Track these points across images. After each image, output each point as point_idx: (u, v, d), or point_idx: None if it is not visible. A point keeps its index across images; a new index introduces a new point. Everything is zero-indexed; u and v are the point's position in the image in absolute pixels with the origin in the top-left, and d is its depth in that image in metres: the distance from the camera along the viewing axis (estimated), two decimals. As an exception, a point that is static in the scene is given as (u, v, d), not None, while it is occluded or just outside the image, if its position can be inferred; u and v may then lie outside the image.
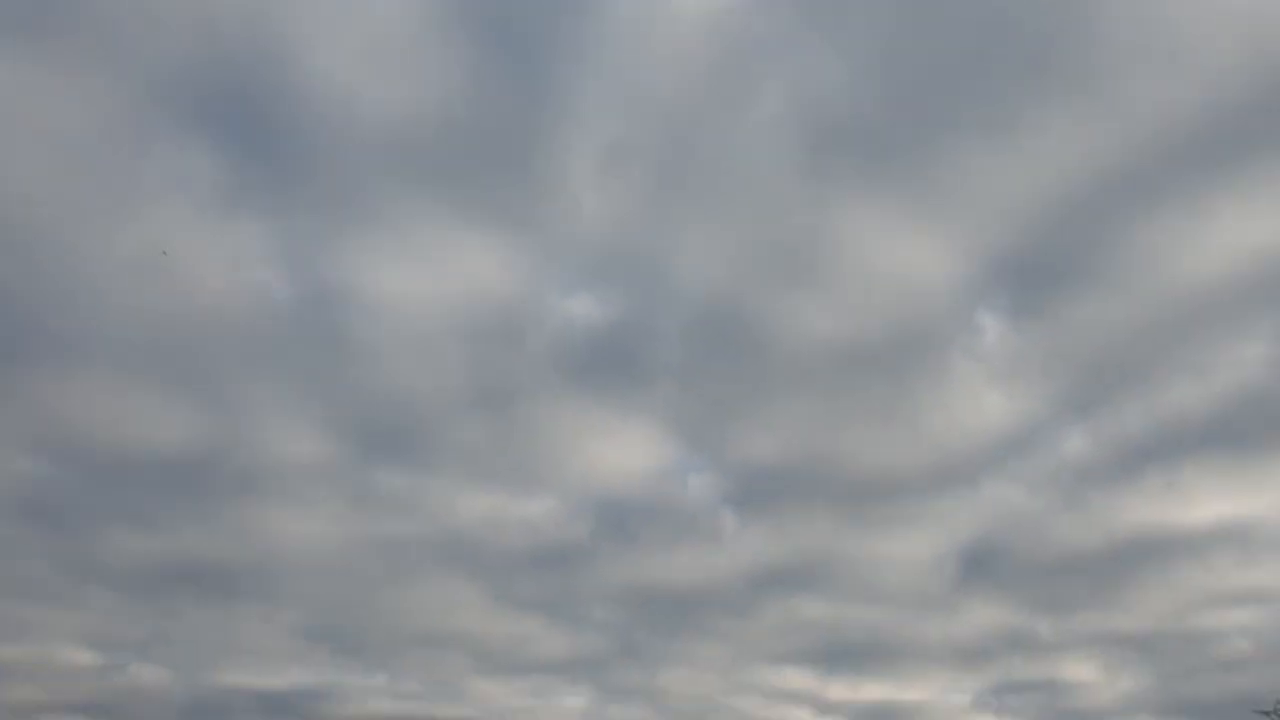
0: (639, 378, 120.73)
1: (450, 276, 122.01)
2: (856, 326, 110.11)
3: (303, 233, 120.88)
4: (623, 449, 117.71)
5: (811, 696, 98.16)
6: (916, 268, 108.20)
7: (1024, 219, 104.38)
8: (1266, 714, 35.10)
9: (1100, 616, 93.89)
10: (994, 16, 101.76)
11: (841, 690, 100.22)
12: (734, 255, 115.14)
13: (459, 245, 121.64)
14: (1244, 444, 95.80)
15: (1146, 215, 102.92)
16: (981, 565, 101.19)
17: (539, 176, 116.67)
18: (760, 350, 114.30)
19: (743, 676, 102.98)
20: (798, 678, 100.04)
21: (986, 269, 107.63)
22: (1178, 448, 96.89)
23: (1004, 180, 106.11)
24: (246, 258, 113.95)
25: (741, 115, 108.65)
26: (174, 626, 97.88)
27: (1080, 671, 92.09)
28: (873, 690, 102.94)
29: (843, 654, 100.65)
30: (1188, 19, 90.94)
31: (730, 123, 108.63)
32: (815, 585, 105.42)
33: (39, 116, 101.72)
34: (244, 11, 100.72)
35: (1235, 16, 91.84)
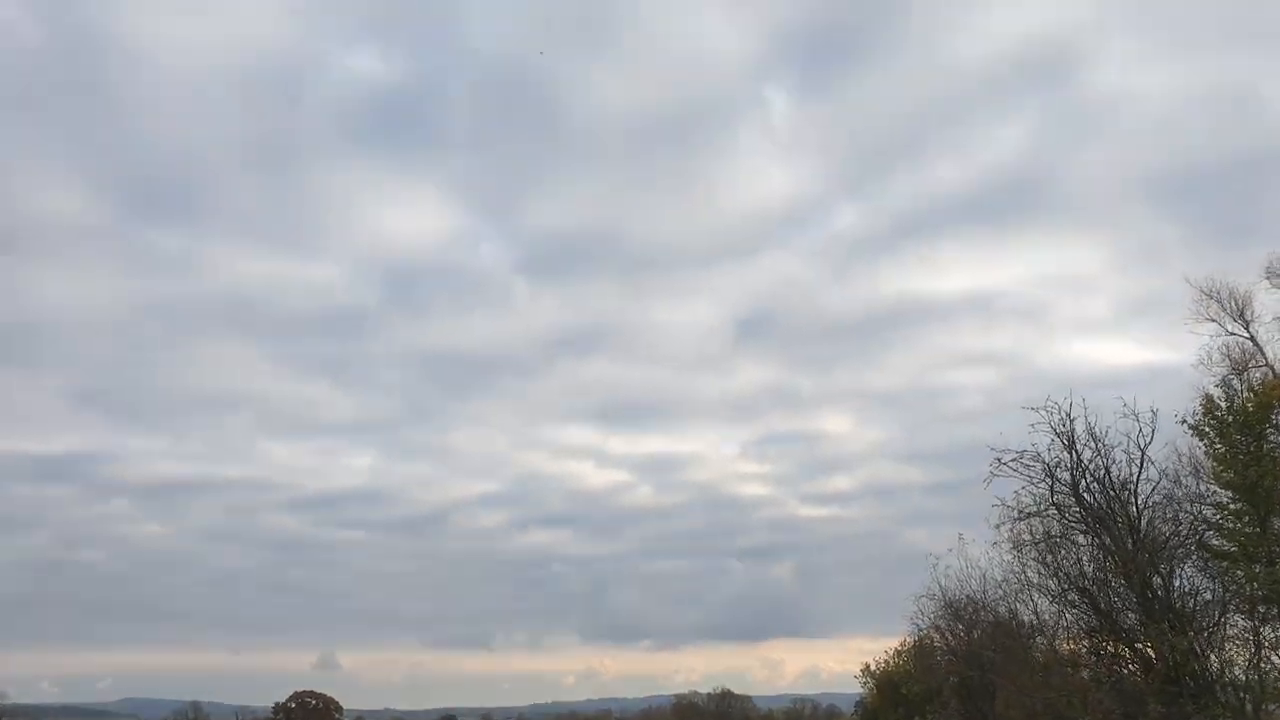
0: (427, 139, 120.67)
1: (222, 24, 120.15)
2: (647, 96, 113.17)
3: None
4: (411, 213, 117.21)
5: (595, 451, 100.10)
6: (708, 39, 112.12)
7: None
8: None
9: (856, 375, 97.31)
10: None
11: (622, 444, 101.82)
12: (526, 16, 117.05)
13: None
14: (996, 219, 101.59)
15: None
16: (755, 330, 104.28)
17: None
18: (552, 116, 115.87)
19: (530, 434, 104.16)
20: (582, 434, 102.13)
21: (775, 43, 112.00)
22: (937, 222, 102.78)
23: None
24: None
25: None
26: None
27: (835, 424, 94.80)
28: (651, 444, 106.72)
29: (624, 411, 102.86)
30: None
31: None
32: (600, 349, 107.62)
33: None
34: None
35: None
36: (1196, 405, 35.31)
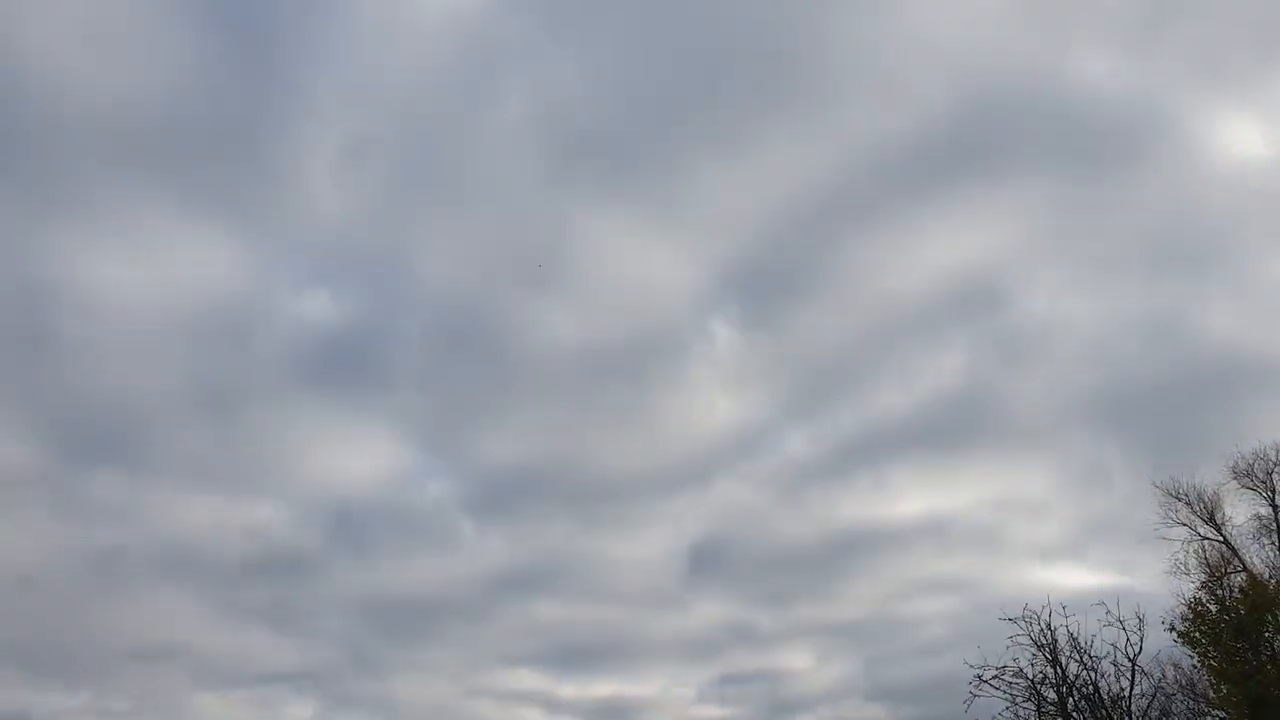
0: (375, 379, 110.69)
1: (172, 271, 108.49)
2: (595, 331, 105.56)
3: (3, 220, 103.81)
4: (358, 453, 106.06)
5: (543, 696, 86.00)
6: (653, 276, 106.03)
7: (752, 233, 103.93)
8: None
9: (815, 607, 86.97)
10: (727, 41, 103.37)
11: (572, 689, 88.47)
12: (476, 256, 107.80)
13: (182, 238, 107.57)
14: (943, 444, 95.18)
15: (861, 232, 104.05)
16: (709, 562, 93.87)
17: (271, 169, 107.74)
18: (500, 352, 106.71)
19: (476, 681, 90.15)
20: (530, 678, 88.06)
21: (718, 279, 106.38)
22: (885, 448, 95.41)
23: (734, 195, 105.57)
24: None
25: (485, 117, 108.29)
26: None
27: (796, 661, 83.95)
28: (602, 687, 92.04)
29: (575, 653, 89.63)
30: (900, 56, 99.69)
31: (474, 124, 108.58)
32: (550, 587, 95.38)
33: None
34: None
35: (941, 56, 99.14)
36: (1180, 611, 32.68)
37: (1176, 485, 40.12)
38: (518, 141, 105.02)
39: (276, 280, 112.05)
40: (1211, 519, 39.74)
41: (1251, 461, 39.27)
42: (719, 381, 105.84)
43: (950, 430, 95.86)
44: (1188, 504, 39.75)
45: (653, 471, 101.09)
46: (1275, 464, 38.84)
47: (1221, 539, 39.36)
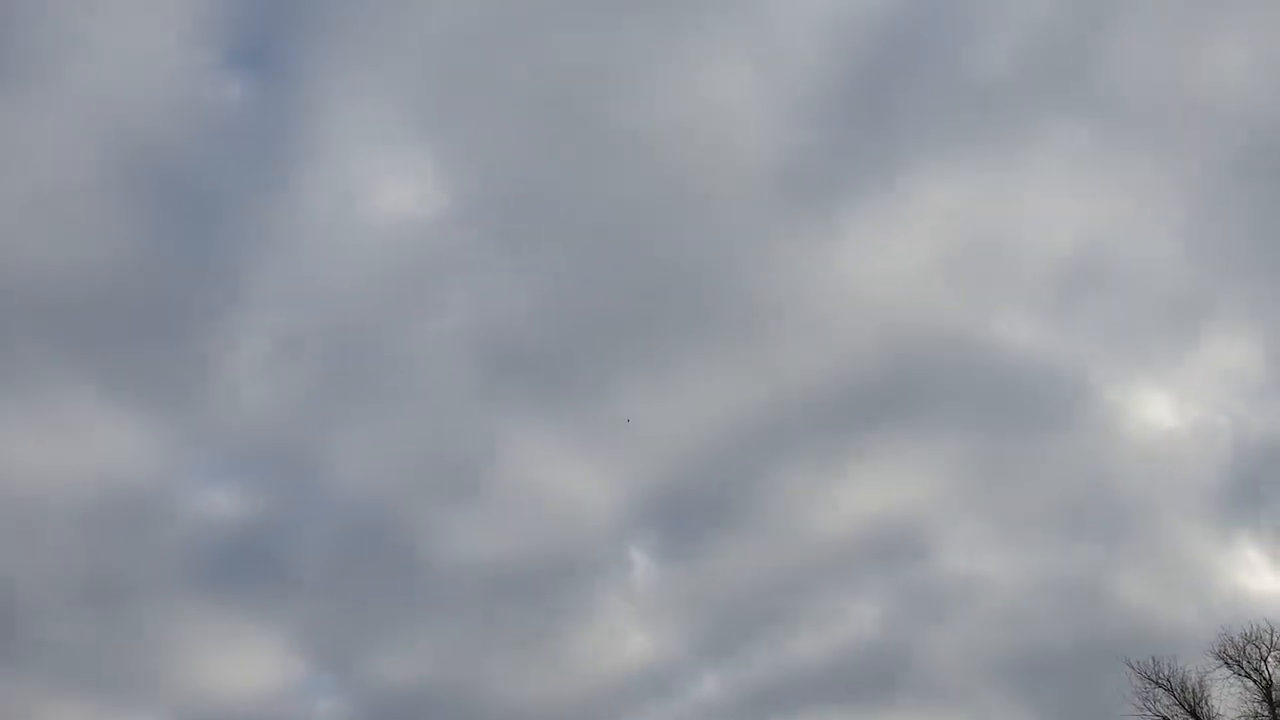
0: (274, 584, 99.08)
1: (76, 448, 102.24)
2: (510, 551, 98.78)
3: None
4: (246, 662, 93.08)
5: None
6: (576, 497, 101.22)
7: (677, 461, 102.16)
8: None
9: None
10: (669, 273, 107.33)
11: None
12: (394, 464, 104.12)
13: (94, 415, 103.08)
14: (856, 697, 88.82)
15: (785, 471, 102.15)
16: None
17: (198, 355, 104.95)
18: (409, 566, 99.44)
19: None
20: None
21: (640, 505, 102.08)
22: (798, 695, 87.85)
23: (662, 424, 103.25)
24: None
25: (423, 325, 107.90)
26: None
27: None
28: None
29: None
30: (832, 303, 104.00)
31: (411, 331, 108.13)
32: None
33: None
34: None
35: (872, 306, 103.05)
36: None
37: (1157, 669, 35.62)
38: (452, 351, 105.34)
39: (186, 470, 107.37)
40: (1195, 711, 35.15)
41: (1242, 645, 35.06)
42: (633, 613, 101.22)
43: (864, 683, 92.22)
44: (1169, 690, 35.20)
45: (557, 706, 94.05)
46: (1271, 648, 34.72)
47: (1205, 736, 34.61)
